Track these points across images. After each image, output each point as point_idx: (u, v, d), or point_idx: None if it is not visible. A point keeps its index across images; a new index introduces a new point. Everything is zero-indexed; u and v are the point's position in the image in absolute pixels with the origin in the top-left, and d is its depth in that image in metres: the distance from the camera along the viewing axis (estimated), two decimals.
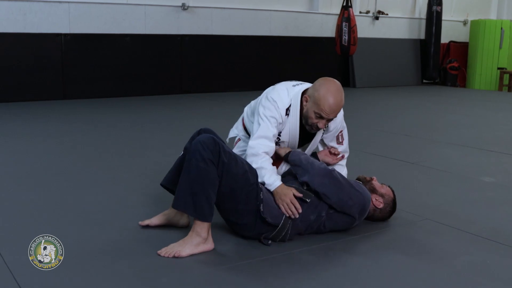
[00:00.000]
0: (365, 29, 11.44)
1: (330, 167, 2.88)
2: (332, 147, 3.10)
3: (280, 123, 2.89)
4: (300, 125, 2.94)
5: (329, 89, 2.80)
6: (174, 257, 2.47)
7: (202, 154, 2.47)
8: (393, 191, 3.02)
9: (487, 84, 11.95)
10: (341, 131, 3.17)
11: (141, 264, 2.44)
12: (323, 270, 2.48)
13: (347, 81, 11.38)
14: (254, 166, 2.74)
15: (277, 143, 3.02)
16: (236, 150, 3.15)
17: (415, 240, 2.85)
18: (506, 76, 11.68)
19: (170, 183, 2.82)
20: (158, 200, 3.27)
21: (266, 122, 2.85)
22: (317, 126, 2.85)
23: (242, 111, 3.24)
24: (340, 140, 3.17)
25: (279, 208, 2.67)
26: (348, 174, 3.15)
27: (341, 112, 3.08)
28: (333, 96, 2.78)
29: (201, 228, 2.53)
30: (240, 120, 3.31)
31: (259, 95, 3.05)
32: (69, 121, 6.34)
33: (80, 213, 3.10)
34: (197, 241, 2.53)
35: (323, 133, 3.09)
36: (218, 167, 2.49)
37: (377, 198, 2.92)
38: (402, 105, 8.81)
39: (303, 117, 2.90)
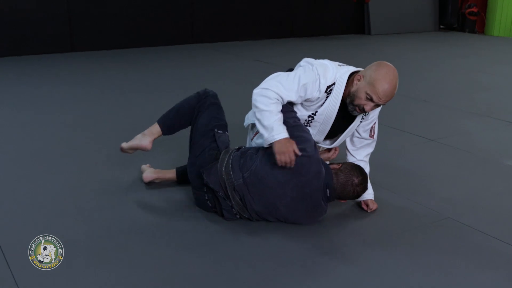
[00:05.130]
0: None
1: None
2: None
3: (317, 98, 2.74)
4: (338, 109, 2.78)
5: (388, 73, 2.64)
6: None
7: (200, 92, 3.06)
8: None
9: (506, 31, 11.54)
10: (375, 123, 3.03)
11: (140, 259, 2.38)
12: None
13: (361, 28, 11.02)
14: (263, 107, 2.62)
15: (309, 123, 2.86)
16: (259, 140, 2.94)
17: (436, 248, 2.70)
18: None
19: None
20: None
21: (294, 84, 2.67)
22: (363, 109, 2.69)
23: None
24: (372, 134, 3.05)
25: (275, 156, 2.58)
26: None
27: None
28: (390, 82, 2.63)
29: (152, 129, 3.11)
30: None
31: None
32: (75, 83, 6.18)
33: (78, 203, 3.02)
34: (138, 136, 3.13)
35: (360, 121, 2.93)
36: (199, 101, 3.01)
37: (330, 164, 2.79)
38: (419, 59, 8.50)
39: (349, 96, 2.73)
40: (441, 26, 12.23)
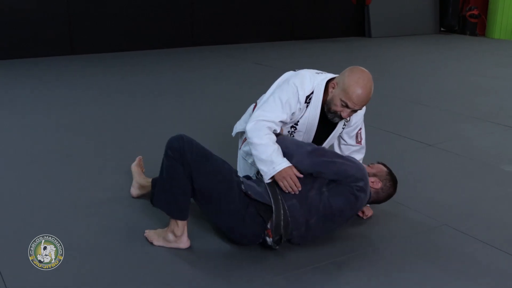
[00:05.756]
0: None
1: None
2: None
3: (299, 109, 2.73)
4: (319, 117, 2.78)
5: (361, 78, 2.63)
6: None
7: (168, 154, 2.51)
8: (383, 164, 2.90)
9: (507, 33, 11.53)
10: (360, 128, 3.03)
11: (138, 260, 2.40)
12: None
13: (362, 31, 11.02)
14: (257, 141, 2.58)
15: (292, 134, 2.87)
16: (246, 148, 2.96)
17: (431, 255, 2.69)
18: None
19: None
20: None
21: (278, 106, 2.67)
22: (341, 115, 2.70)
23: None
24: (359, 140, 3.05)
25: (278, 185, 2.54)
26: None
27: (364, 109, 2.93)
28: (364, 87, 2.62)
29: (175, 226, 2.57)
30: (247, 113, 3.09)
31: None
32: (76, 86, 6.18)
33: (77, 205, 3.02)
34: (170, 238, 2.59)
35: (343, 128, 2.94)
36: (184, 167, 2.47)
37: (372, 181, 2.76)
38: (419, 62, 8.49)
39: (326, 104, 2.73)
40: (442, 29, 12.22)
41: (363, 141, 3.07)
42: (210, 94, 5.93)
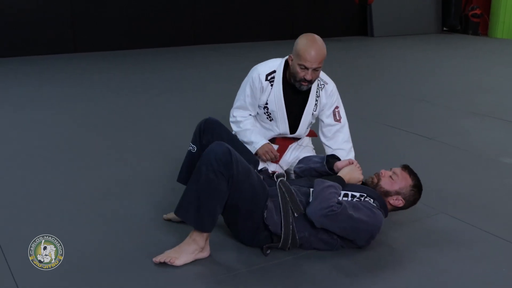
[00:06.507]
0: None
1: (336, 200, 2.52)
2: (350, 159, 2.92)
3: (261, 88, 3.06)
4: (285, 90, 3.06)
5: (308, 39, 2.96)
6: (169, 264, 2.39)
7: (213, 165, 2.32)
8: (409, 173, 2.73)
9: (510, 33, 11.55)
10: (337, 107, 3.20)
11: (142, 277, 2.37)
12: (328, 279, 2.39)
13: (364, 30, 11.05)
14: (237, 129, 3.13)
15: (269, 115, 3.13)
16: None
17: (426, 243, 2.71)
18: None
19: (186, 181, 2.65)
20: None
21: (241, 93, 3.16)
22: (305, 79, 2.94)
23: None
24: (338, 118, 3.21)
25: (260, 159, 3.00)
26: (357, 152, 3.18)
27: (333, 84, 3.17)
28: (313, 46, 2.92)
29: (199, 237, 2.42)
30: None
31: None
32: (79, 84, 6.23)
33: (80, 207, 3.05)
34: (193, 248, 2.43)
35: (316, 103, 3.12)
36: (229, 182, 2.35)
37: (394, 199, 2.68)
38: (421, 61, 8.51)
39: (291, 77, 3.00)
40: (444, 28, 12.24)
41: (343, 119, 3.19)
42: (210, 92, 5.98)
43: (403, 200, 2.70)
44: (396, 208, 2.74)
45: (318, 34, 3.08)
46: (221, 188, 2.34)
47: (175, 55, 8.29)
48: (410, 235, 2.77)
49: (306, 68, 2.91)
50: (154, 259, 2.41)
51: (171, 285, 2.29)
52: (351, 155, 3.15)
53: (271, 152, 3.07)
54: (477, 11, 11.70)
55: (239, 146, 2.85)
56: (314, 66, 2.91)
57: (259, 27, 9.82)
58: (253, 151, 3.04)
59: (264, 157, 3.06)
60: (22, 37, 7.76)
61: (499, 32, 11.61)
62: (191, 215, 2.38)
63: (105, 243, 2.62)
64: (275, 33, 9.95)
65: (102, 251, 2.54)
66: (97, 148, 4.01)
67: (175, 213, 2.48)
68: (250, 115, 3.17)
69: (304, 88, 3.02)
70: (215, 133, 2.76)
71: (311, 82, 2.99)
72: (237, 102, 3.19)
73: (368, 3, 10.28)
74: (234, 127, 3.17)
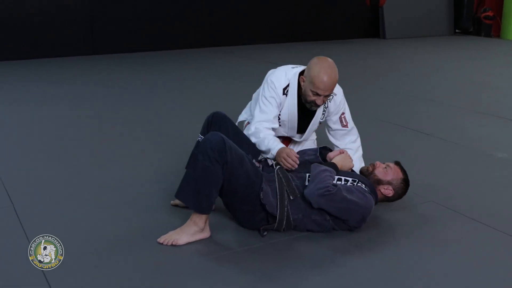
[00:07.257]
0: None
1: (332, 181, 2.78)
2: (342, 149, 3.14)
3: (279, 103, 3.13)
4: (298, 105, 3.14)
5: (322, 67, 2.98)
6: (172, 245, 2.62)
7: (209, 153, 2.56)
8: (400, 168, 3.00)
9: None
10: (343, 113, 3.30)
11: (141, 255, 2.56)
12: (322, 258, 2.60)
13: (376, 32, 11.21)
14: (256, 140, 3.05)
15: (278, 121, 3.20)
16: (246, 132, 3.25)
17: (414, 226, 2.92)
18: None
19: None
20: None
21: (267, 104, 3.13)
22: (316, 103, 3.03)
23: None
24: (345, 123, 3.31)
25: (279, 163, 2.91)
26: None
27: (341, 93, 3.24)
28: (327, 74, 2.95)
29: (199, 219, 2.66)
30: (248, 105, 3.47)
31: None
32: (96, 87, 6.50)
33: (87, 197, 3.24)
34: (194, 230, 2.66)
35: (323, 113, 3.24)
36: (223, 168, 2.59)
37: (385, 188, 2.92)
38: (432, 62, 8.63)
39: (302, 96, 3.09)
40: (457, 30, 12.33)
41: (350, 124, 3.32)
42: (218, 91, 6.23)
43: (393, 191, 2.95)
44: (384, 199, 2.97)
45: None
46: (216, 173, 2.58)
47: (193, 56, 8.52)
48: (401, 219, 2.99)
49: (318, 95, 2.99)
50: (158, 240, 2.66)
51: (173, 261, 2.52)
52: (359, 154, 3.32)
53: (289, 156, 2.92)
54: (489, 13, 11.77)
55: (243, 138, 3.09)
56: (327, 93, 3.01)
57: (272, 30, 10.02)
58: (272, 157, 3.02)
59: (281, 163, 2.93)
60: (43, 39, 8.06)
61: (511, 34, 11.68)
62: (189, 199, 2.65)
63: (118, 222, 2.87)
64: (289, 36, 10.16)
65: (114, 229, 2.79)
66: (111, 149, 4.14)
67: (176, 196, 2.75)
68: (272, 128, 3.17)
69: (314, 109, 3.14)
70: (222, 125, 3.01)
71: (321, 105, 3.10)
72: (264, 114, 3.12)
73: (380, 5, 10.43)
74: (255, 137, 3.09)
